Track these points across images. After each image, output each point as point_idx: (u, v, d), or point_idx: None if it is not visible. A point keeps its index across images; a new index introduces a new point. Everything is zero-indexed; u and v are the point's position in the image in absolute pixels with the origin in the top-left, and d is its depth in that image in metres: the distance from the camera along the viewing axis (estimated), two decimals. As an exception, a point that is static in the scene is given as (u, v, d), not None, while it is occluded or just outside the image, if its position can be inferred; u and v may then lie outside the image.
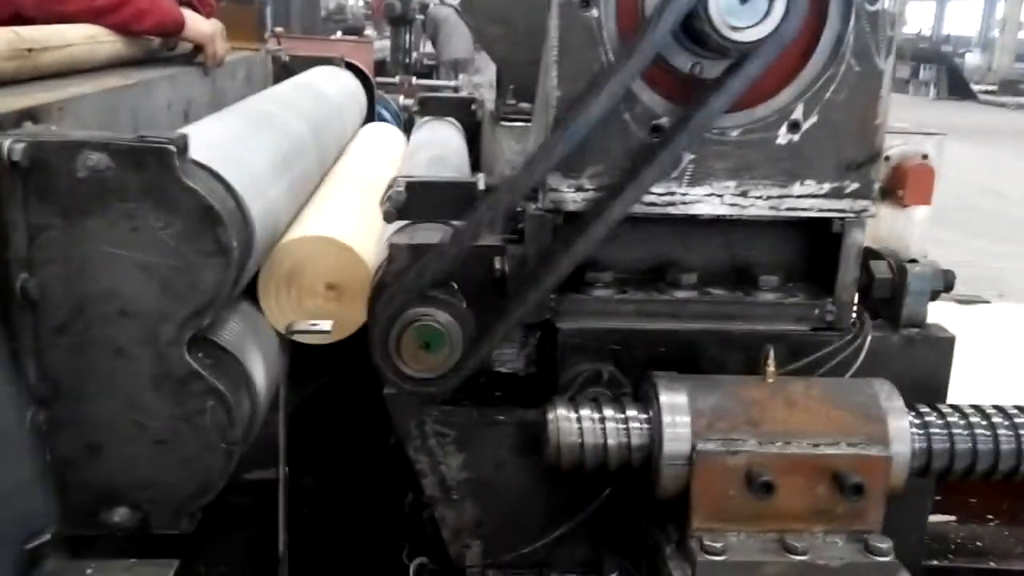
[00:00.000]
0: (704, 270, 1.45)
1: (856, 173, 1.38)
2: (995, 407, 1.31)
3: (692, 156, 1.36)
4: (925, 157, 3.51)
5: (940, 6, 35.96)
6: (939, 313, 1.46)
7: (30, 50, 1.67)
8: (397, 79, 7.28)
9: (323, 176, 2.23)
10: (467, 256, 1.40)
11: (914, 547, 1.49)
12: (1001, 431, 1.27)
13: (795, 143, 1.37)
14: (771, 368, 1.28)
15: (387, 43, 8.87)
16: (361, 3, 16.76)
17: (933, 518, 1.78)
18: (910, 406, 1.30)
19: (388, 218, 1.55)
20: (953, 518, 1.84)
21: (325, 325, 1.35)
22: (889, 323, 1.48)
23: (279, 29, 6.17)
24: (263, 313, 1.61)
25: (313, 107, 2.46)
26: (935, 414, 1.29)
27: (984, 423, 1.27)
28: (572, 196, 1.37)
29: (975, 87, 21.27)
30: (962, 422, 1.28)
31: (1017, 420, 1.28)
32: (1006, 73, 22.23)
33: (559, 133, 1.30)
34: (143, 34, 2.23)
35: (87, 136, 1.27)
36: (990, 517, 1.84)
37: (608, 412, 1.26)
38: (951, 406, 1.32)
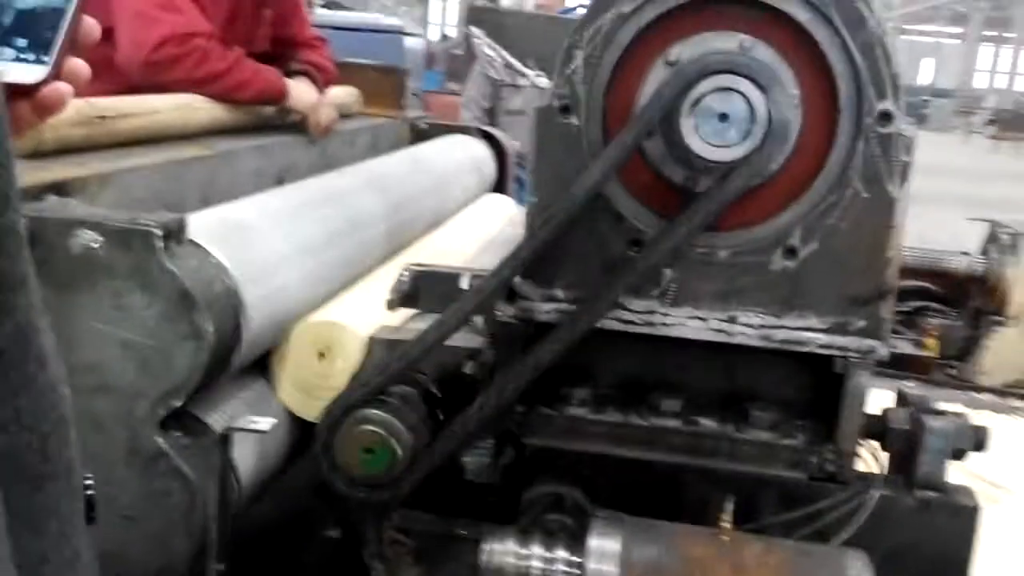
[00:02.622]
0: (692, 395, 1.34)
1: (863, 310, 1.23)
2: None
3: (674, 275, 1.26)
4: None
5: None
6: None
7: (102, 117, 1.79)
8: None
9: (395, 250, 2.27)
10: (442, 357, 1.37)
11: None
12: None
13: (791, 270, 1.24)
14: (726, 523, 1.14)
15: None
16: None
17: None
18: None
19: (390, 306, 1.54)
20: None
21: (264, 424, 1.35)
22: (904, 482, 1.29)
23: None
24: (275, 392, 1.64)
25: (406, 180, 2.52)
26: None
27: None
28: (543, 307, 1.30)
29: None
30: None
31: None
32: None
33: (527, 239, 1.25)
34: (245, 103, 2.34)
35: (84, 215, 1.34)
36: None
37: (534, 549, 1.17)
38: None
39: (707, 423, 1.31)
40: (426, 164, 2.83)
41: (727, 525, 1.14)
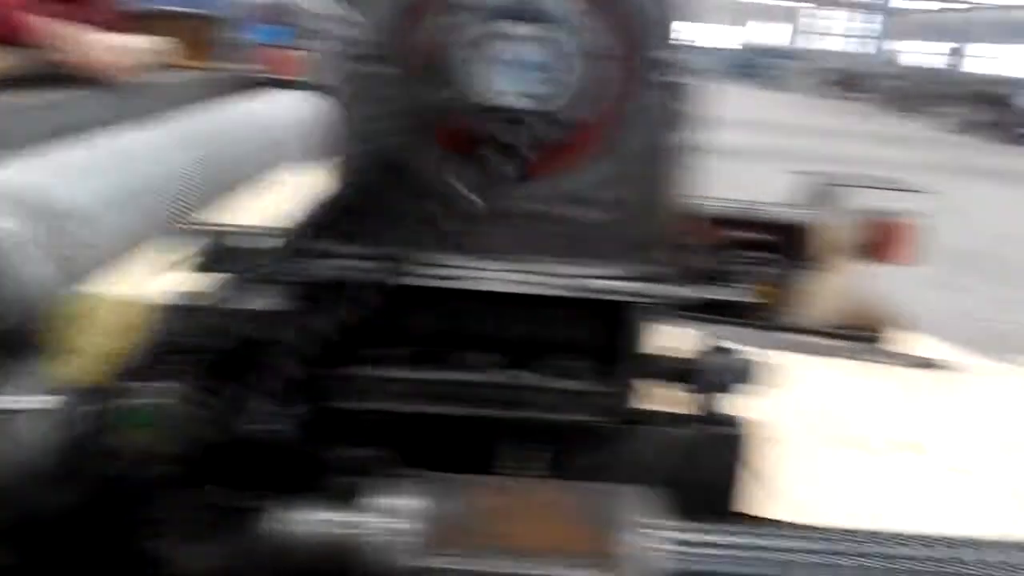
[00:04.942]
0: (494, 348, 1.34)
1: (646, 255, 1.26)
2: (773, 522, 1.17)
3: (476, 228, 1.26)
4: (904, 214, 3.33)
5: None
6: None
7: None
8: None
9: (208, 210, 2.17)
10: (238, 320, 1.32)
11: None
12: (767, 553, 1.12)
13: (582, 220, 1.25)
14: (523, 471, 1.16)
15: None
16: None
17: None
18: (670, 519, 1.15)
19: (185, 269, 1.46)
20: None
21: (34, 403, 1.26)
22: (682, 417, 1.35)
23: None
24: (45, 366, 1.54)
25: (222, 136, 2.40)
26: (694, 532, 1.14)
27: (747, 544, 1.12)
28: (345, 264, 1.27)
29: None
30: (722, 541, 1.13)
31: (784, 543, 1.12)
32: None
33: (326, 196, 1.21)
34: None
35: None
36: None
37: (336, 513, 1.14)
38: (711, 524, 1.16)
39: (500, 374, 1.32)
40: (249, 119, 2.73)
41: (528, 474, 1.16)
